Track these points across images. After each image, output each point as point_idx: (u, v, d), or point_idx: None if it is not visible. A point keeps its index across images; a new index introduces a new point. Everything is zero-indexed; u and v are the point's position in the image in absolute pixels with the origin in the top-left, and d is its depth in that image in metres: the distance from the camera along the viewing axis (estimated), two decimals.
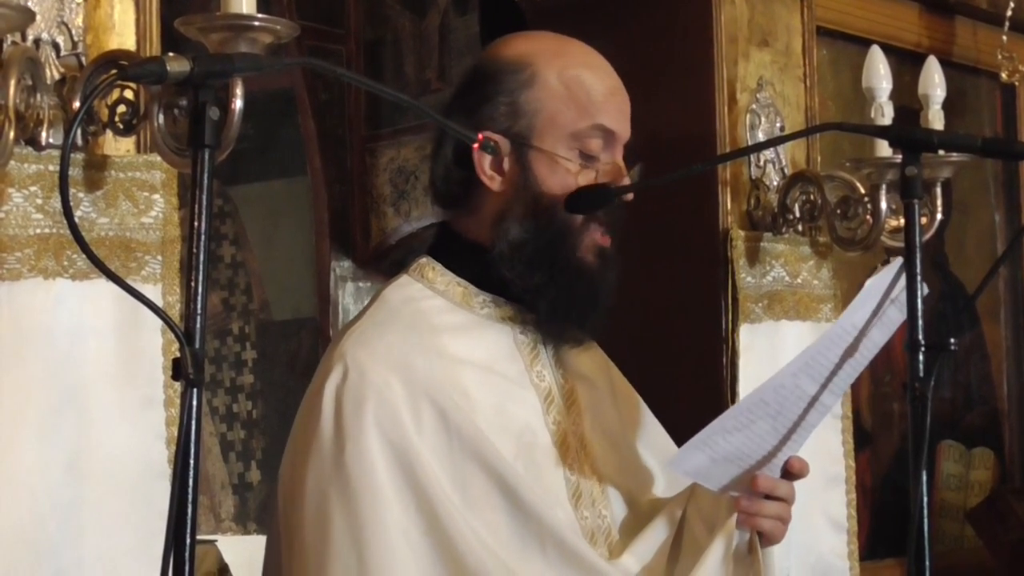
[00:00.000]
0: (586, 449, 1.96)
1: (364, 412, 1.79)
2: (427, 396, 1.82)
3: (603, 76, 1.97)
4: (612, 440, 2.01)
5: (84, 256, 1.52)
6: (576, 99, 1.93)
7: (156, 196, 2.14)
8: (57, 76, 2.07)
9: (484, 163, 1.92)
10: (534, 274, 1.90)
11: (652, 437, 2.08)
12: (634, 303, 3.06)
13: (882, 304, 1.86)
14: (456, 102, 1.97)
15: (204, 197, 1.53)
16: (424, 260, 1.98)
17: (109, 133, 2.09)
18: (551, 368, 1.97)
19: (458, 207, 1.97)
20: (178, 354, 1.50)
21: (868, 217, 3.06)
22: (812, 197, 3.14)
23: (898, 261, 1.87)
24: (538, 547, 1.81)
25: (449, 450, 1.81)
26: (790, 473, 1.92)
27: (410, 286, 1.96)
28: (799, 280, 3.17)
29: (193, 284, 1.52)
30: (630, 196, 1.96)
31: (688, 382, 3.06)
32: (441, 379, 1.84)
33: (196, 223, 1.52)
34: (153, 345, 2.10)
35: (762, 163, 3.17)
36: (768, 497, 1.90)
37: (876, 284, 1.86)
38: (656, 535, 1.93)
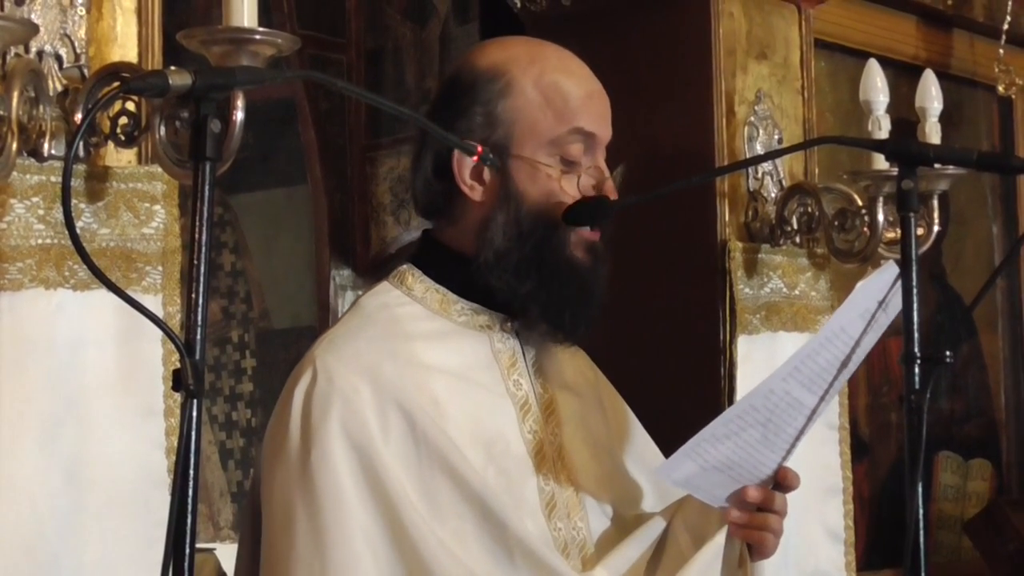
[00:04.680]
0: (564, 459, 1.93)
1: (330, 417, 1.78)
2: (395, 403, 1.81)
3: (580, 80, 1.95)
4: (596, 451, 1.99)
5: (85, 266, 1.53)
6: (553, 105, 1.91)
7: (157, 207, 2.15)
8: (60, 88, 2.08)
9: (464, 173, 1.90)
10: (523, 282, 1.89)
11: (641, 450, 2.06)
12: (632, 314, 3.08)
13: (876, 311, 1.85)
14: (433, 115, 1.94)
15: (205, 209, 1.54)
16: (405, 267, 1.96)
17: (111, 144, 2.11)
18: (529, 377, 1.95)
19: (440, 217, 1.96)
20: (178, 364, 1.51)
21: (865, 229, 3.07)
22: (810, 209, 3.15)
23: (888, 265, 1.87)
24: (507, 557, 1.80)
25: (417, 458, 1.80)
26: (782, 485, 1.90)
27: (387, 293, 1.94)
28: (797, 292, 3.18)
29: (193, 296, 1.52)
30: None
31: (686, 393, 3.07)
32: (410, 386, 1.83)
33: (197, 235, 1.53)
34: (153, 355, 2.12)
35: (760, 175, 3.18)
36: (761, 509, 1.88)
37: (866, 287, 1.85)
38: (632, 549, 1.90)
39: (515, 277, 1.89)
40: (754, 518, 1.88)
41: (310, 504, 1.77)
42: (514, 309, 1.93)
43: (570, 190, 1.92)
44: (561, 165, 1.91)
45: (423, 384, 1.85)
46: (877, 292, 1.85)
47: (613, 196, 1.94)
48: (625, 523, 1.95)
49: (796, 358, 1.82)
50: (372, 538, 1.76)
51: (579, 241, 1.92)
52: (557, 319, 1.92)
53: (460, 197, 1.92)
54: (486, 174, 1.91)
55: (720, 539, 1.87)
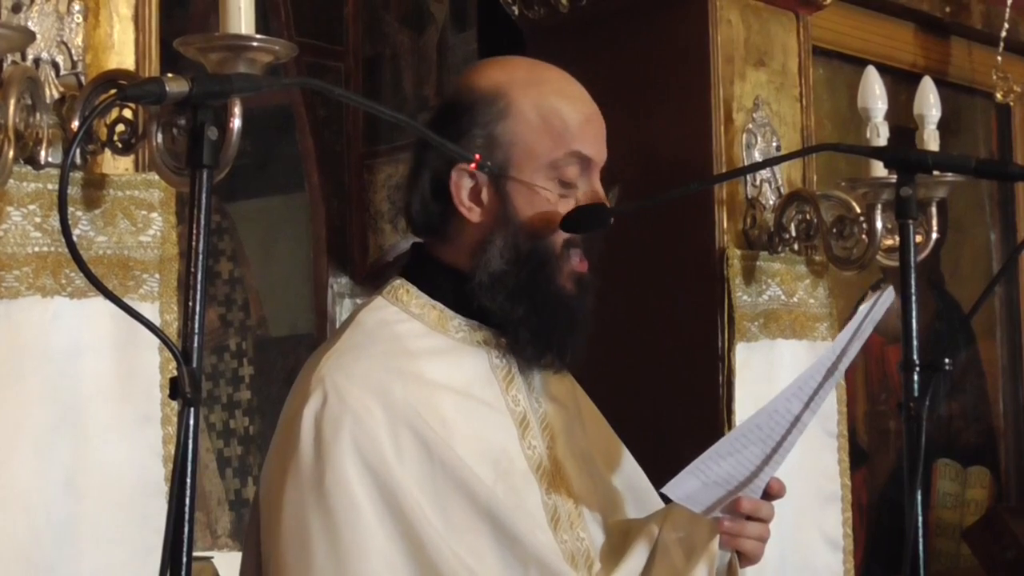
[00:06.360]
0: (561, 472, 1.95)
1: (343, 438, 1.78)
2: (406, 422, 1.82)
3: (578, 104, 1.96)
4: (582, 461, 2.01)
5: (82, 274, 1.53)
6: (552, 128, 1.92)
7: (154, 215, 2.14)
8: (56, 95, 2.07)
9: (462, 195, 1.91)
10: (516, 306, 1.91)
11: (618, 458, 2.08)
12: (631, 322, 3.08)
13: (863, 325, 1.87)
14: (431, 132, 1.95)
15: (202, 217, 1.54)
16: (398, 282, 1.97)
17: (108, 152, 2.10)
18: (525, 392, 1.97)
19: (435, 235, 1.97)
20: (175, 372, 1.51)
21: (864, 236, 3.07)
22: (808, 216, 3.15)
23: (888, 288, 1.88)
24: (522, 571, 1.81)
25: (431, 476, 1.81)
26: (769, 494, 1.93)
27: (385, 309, 1.95)
28: (795, 299, 3.18)
29: (191, 303, 1.52)
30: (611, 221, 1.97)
31: (684, 400, 3.06)
32: (419, 405, 1.84)
33: (194, 243, 1.53)
34: (150, 363, 2.11)
35: (758, 182, 3.18)
36: (750, 518, 1.91)
37: (865, 309, 1.87)
38: (637, 561, 1.93)
39: (509, 301, 1.91)
40: (746, 527, 1.92)
41: (328, 526, 1.77)
42: (505, 330, 1.94)
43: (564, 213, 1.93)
44: (559, 188, 1.92)
45: (431, 402, 1.86)
46: (871, 311, 1.87)
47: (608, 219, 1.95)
48: (609, 530, 1.98)
49: (800, 380, 1.86)
50: (391, 558, 1.77)
51: (569, 273, 1.93)
52: (544, 345, 1.94)
53: (457, 217, 1.94)
54: (484, 195, 1.92)
55: (712, 550, 1.91)
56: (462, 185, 1.91)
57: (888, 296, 1.87)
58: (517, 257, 1.90)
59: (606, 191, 1.96)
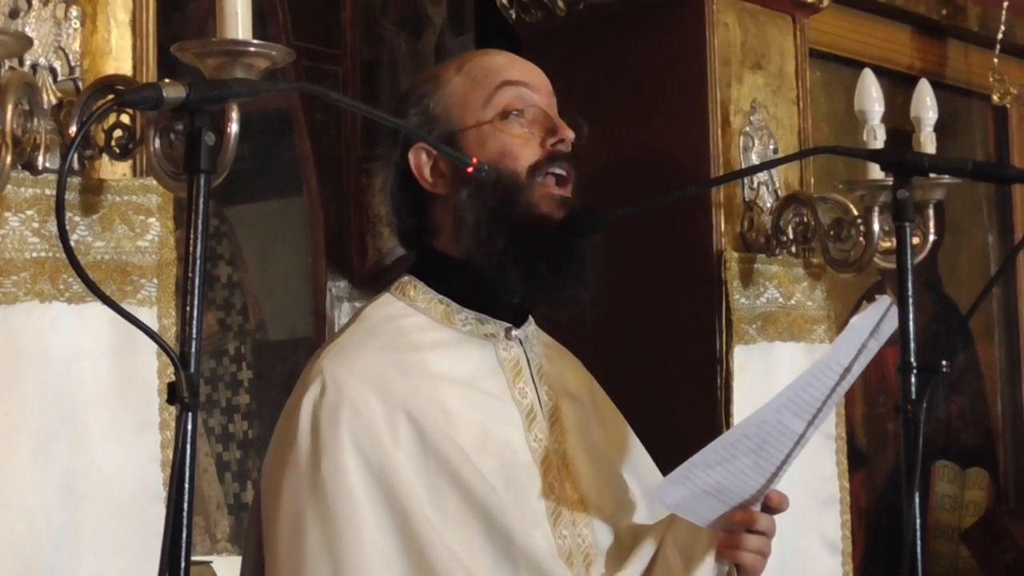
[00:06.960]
0: (568, 467, 1.96)
1: (340, 427, 1.80)
2: (405, 413, 1.83)
3: (501, 55, 2.03)
4: (596, 459, 2.01)
5: (80, 280, 1.53)
6: (478, 78, 1.98)
7: (152, 220, 2.15)
8: (54, 101, 2.07)
9: (424, 172, 1.96)
10: (494, 242, 1.91)
11: (636, 460, 2.08)
12: (629, 324, 3.08)
13: (867, 341, 1.86)
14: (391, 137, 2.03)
15: (200, 222, 1.55)
16: (406, 279, 1.99)
17: (105, 157, 2.10)
18: (534, 385, 1.98)
19: (425, 235, 1.99)
20: (174, 377, 1.51)
21: (861, 239, 3.07)
22: (805, 219, 3.15)
23: (884, 299, 1.88)
24: (512, 569, 1.82)
25: (426, 468, 1.81)
26: (769, 507, 1.93)
27: (391, 304, 1.97)
28: (793, 301, 3.18)
29: (189, 308, 1.53)
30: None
31: (682, 403, 3.06)
32: (420, 396, 1.85)
33: (192, 247, 1.53)
34: (148, 368, 2.11)
35: (756, 185, 3.18)
36: (749, 531, 1.91)
37: (861, 322, 1.86)
38: (639, 566, 1.93)
39: (488, 241, 1.91)
40: (744, 540, 1.91)
41: (322, 515, 1.78)
42: (496, 284, 1.93)
43: (519, 138, 1.94)
44: (502, 116, 1.95)
45: (433, 394, 1.87)
46: (871, 325, 1.87)
47: (569, 136, 1.96)
48: (620, 534, 1.97)
49: (790, 390, 1.85)
50: (386, 552, 1.78)
51: (547, 197, 1.93)
52: (534, 280, 1.93)
53: (431, 202, 1.96)
54: (443, 164, 1.94)
55: (710, 561, 1.91)
56: (422, 164, 1.96)
57: (893, 314, 1.86)
58: (483, 198, 1.91)
59: (571, 126, 1.97)
